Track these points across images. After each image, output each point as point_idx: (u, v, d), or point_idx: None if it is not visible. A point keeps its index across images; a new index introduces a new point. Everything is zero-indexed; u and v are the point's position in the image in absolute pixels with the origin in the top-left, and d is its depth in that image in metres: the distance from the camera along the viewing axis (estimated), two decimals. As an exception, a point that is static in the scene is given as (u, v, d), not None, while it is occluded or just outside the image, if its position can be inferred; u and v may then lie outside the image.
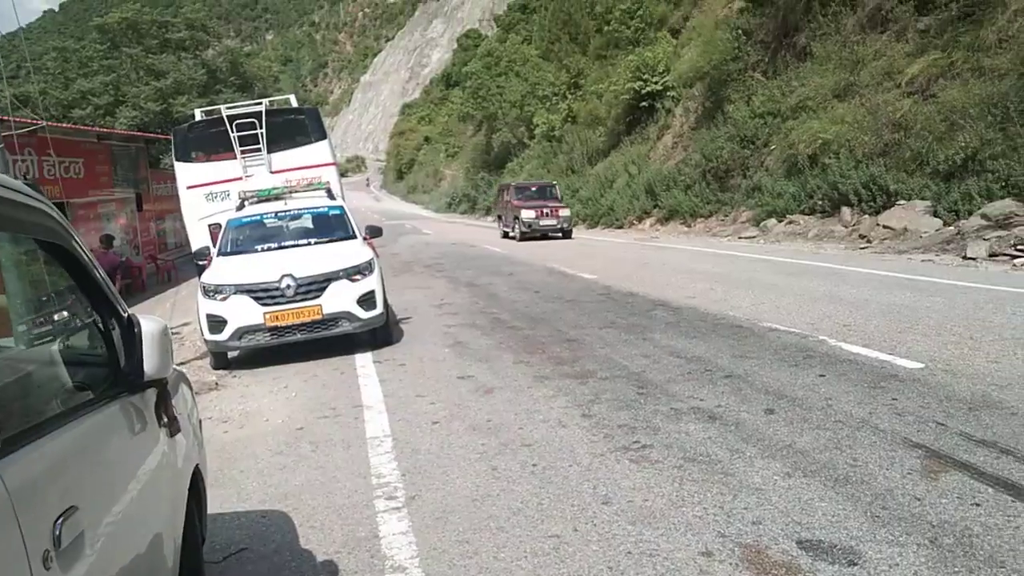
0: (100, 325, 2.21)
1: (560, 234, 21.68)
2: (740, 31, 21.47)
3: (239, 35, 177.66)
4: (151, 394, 2.36)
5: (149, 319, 2.27)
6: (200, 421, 3.30)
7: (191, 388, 3.27)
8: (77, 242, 2.07)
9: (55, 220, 1.93)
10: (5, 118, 9.32)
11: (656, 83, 25.26)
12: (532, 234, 21.40)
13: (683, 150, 23.27)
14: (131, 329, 2.20)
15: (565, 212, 21.99)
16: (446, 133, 71.27)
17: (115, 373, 2.20)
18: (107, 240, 10.86)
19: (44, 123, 11.52)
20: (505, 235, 23.58)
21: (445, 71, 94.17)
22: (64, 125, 18.24)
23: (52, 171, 14.88)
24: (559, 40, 41.26)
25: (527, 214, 21.70)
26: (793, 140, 17.27)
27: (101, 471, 1.88)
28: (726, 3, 24.25)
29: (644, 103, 25.94)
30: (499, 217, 25.30)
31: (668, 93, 25.27)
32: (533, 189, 23.87)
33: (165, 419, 2.41)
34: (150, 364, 2.19)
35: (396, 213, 49.59)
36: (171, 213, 21.31)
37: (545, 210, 21.65)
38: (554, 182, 25.48)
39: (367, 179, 66.35)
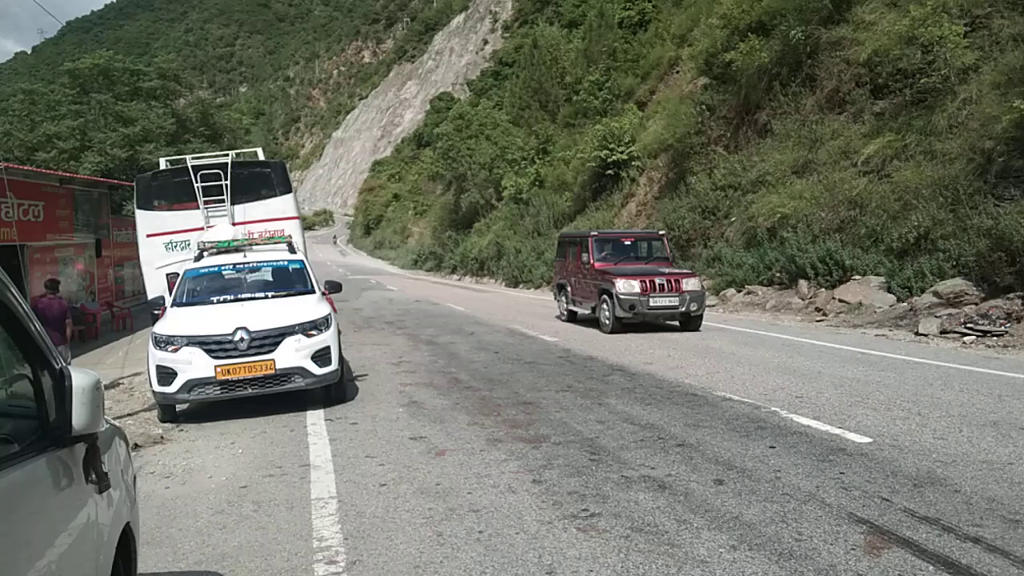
0: (31, 376, 2.15)
1: (682, 321, 13.04)
2: (704, 106, 22.19)
3: (213, 86, 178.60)
4: (80, 449, 2.29)
5: (81, 372, 2.21)
6: (135, 477, 3.20)
7: (127, 443, 3.18)
8: (12, 293, 2.03)
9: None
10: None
11: (622, 152, 25.84)
12: (635, 321, 12.81)
13: (647, 218, 23.69)
14: (62, 382, 2.15)
15: (692, 284, 12.89)
16: (415, 191, 71.79)
17: (43, 426, 2.14)
18: (52, 285, 10.61)
19: (3, 165, 11.31)
20: (571, 317, 15.05)
21: (417, 131, 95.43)
22: (25, 168, 17.97)
23: (10, 213, 14.61)
24: (529, 107, 42.18)
25: (627, 287, 12.64)
26: (753, 213, 17.72)
27: (21, 526, 1.81)
28: (691, 79, 25.10)
29: (610, 171, 26.48)
30: (561, 288, 15.78)
31: (633, 162, 25.84)
32: (628, 243, 14.82)
33: (94, 475, 2.34)
34: (79, 418, 2.13)
35: (362, 268, 49.46)
36: (131, 260, 20.97)
37: (658, 281, 12.67)
38: (661, 230, 16.67)
39: (334, 236, 66.39)
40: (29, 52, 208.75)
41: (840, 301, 13.61)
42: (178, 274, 9.63)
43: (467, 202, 44.61)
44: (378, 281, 34.48)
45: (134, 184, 12.76)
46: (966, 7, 15.26)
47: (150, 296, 11.04)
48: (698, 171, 21.48)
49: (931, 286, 12.17)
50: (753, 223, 17.59)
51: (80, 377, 2.19)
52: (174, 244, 11.57)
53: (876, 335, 11.22)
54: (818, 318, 13.54)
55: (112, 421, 3.20)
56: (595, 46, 37.02)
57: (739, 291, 16.88)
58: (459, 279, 37.98)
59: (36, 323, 2.20)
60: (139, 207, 12.06)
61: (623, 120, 27.28)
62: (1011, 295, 10.92)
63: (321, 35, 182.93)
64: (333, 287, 8.94)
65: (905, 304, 12.42)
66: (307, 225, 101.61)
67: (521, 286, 29.19)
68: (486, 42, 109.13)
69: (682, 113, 22.90)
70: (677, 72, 27.68)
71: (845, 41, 18.14)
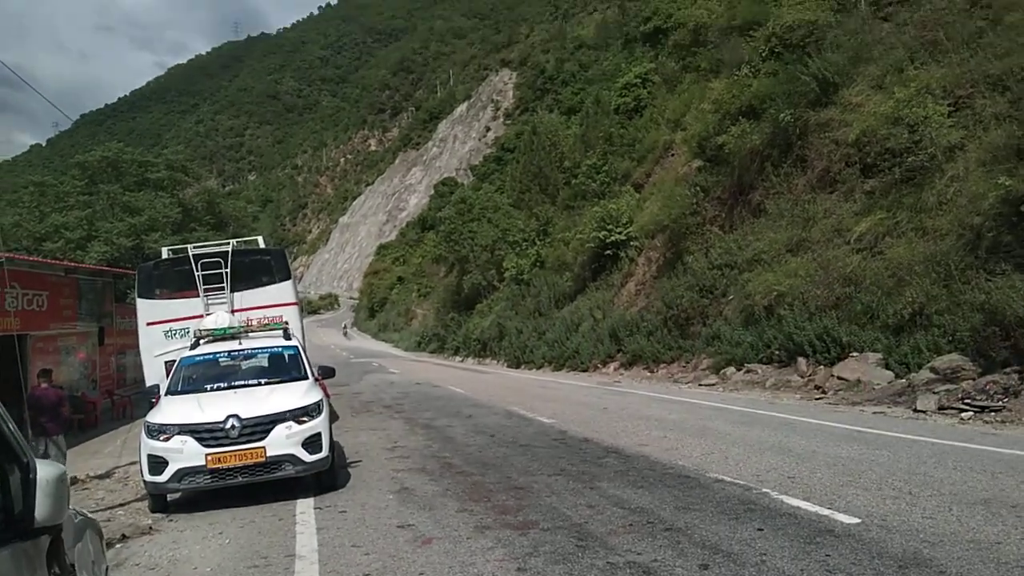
0: (-3, 468, 2.20)
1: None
2: (698, 188, 22.65)
3: (222, 175, 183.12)
4: (44, 541, 2.32)
5: (47, 464, 2.27)
6: (107, 569, 3.20)
7: (101, 536, 3.19)
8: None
9: None
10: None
11: (620, 233, 26.24)
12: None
13: (645, 297, 23.86)
14: (27, 474, 2.20)
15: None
16: (419, 274, 72.49)
17: (8, 518, 2.18)
18: (45, 374, 10.71)
19: (3, 259, 11.58)
20: None
21: (421, 215, 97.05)
22: (30, 259, 18.34)
23: (14, 303, 14.85)
24: (530, 190, 43.08)
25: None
26: (750, 291, 17.83)
27: None
28: (685, 162, 25.70)
29: (609, 251, 26.82)
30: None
31: (631, 243, 26.20)
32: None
33: (56, 567, 2.36)
34: (42, 510, 2.18)
35: (365, 351, 49.44)
36: (132, 348, 21.00)
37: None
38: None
39: (344, 325, 66.74)
40: (44, 144, 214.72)
41: (839, 378, 13.56)
42: (176, 361, 9.73)
43: (469, 284, 45.01)
44: (380, 364, 34.44)
45: (136, 273, 13.02)
46: (948, 88, 15.70)
47: (148, 384, 11.11)
48: (695, 251, 21.74)
49: (928, 362, 12.14)
50: (750, 301, 17.68)
51: (46, 469, 2.24)
52: (173, 332, 11.72)
53: (874, 412, 11.14)
54: (817, 396, 13.47)
55: (87, 513, 3.23)
56: (592, 131, 38.12)
57: (739, 369, 16.84)
58: (461, 360, 37.94)
59: (8, 419, 2.26)
60: (140, 296, 12.27)
61: (620, 202, 27.81)
62: (1008, 370, 10.89)
63: (329, 124, 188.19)
64: (326, 372, 9.00)
65: (903, 380, 12.36)
66: (312, 309, 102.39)
67: (523, 366, 29.14)
68: (488, 129, 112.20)
69: (677, 195, 23.35)
70: (672, 155, 28.36)
71: (833, 122, 18.60)
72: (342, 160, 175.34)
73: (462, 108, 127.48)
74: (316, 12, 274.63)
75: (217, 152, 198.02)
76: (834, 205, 17.51)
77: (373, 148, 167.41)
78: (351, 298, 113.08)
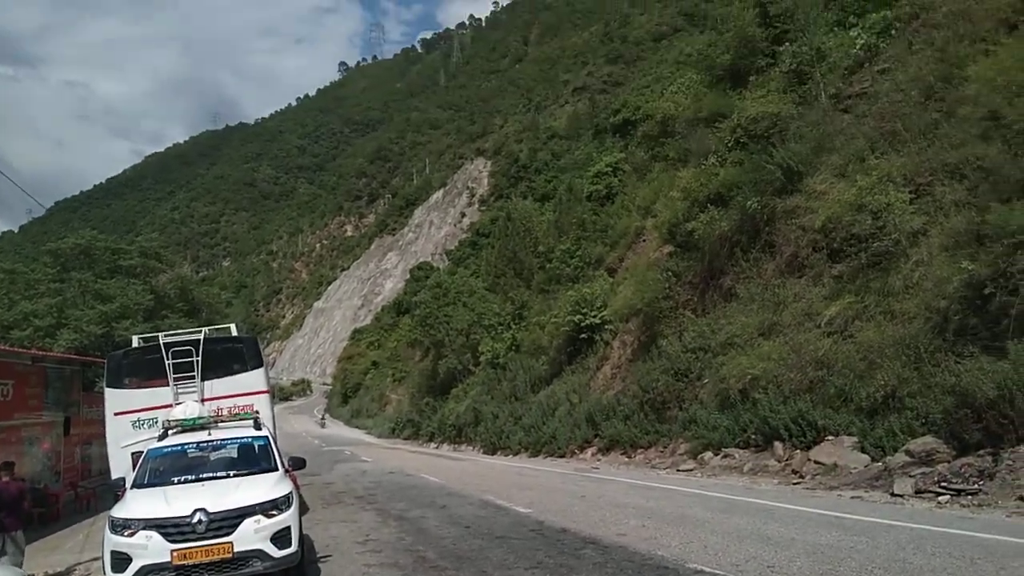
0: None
1: None
2: (670, 272, 23.01)
3: (196, 261, 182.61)
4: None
5: (2, 568, 2.20)
6: None
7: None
8: None
9: None
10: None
11: (595, 316, 26.43)
12: None
13: (621, 381, 23.84)
14: None
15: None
16: (394, 358, 72.00)
17: None
18: (7, 467, 10.33)
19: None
20: None
21: (397, 299, 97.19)
22: (20, 350, 17.98)
23: (-24, 393, 14.46)
24: (505, 274, 43.52)
25: None
26: (724, 375, 17.90)
27: None
28: (657, 247, 26.18)
29: (584, 335, 26.94)
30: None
31: (606, 326, 26.37)
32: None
33: None
34: None
35: (337, 439, 48.48)
36: (99, 438, 20.40)
37: None
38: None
39: (319, 414, 65.03)
40: (16, 231, 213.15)
41: (815, 463, 13.51)
42: (143, 452, 9.48)
43: (445, 368, 44.75)
44: (352, 452, 33.73)
45: (105, 361, 12.80)
46: (909, 176, 16.25)
47: (114, 476, 10.79)
48: (669, 334, 21.89)
49: (903, 444, 12.16)
50: (725, 385, 17.72)
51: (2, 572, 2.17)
52: (141, 422, 11.46)
53: (852, 497, 11.08)
54: (795, 480, 13.38)
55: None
56: (566, 217, 38.89)
57: (716, 454, 16.73)
58: (436, 447, 37.31)
59: None
60: (108, 385, 12.03)
61: (594, 286, 28.12)
62: (981, 452, 10.93)
63: (305, 211, 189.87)
64: (297, 463, 8.81)
65: (879, 464, 12.35)
66: (284, 395, 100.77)
67: (499, 452, 28.71)
68: (464, 215, 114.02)
69: (650, 279, 23.67)
70: (644, 240, 28.92)
71: (799, 209, 19.12)
72: (318, 246, 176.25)
73: (438, 195, 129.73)
74: (294, 103, 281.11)
75: (192, 238, 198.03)
76: (803, 289, 17.83)
77: (349, 234, 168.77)
78: (324, 384, 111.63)
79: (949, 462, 11.24)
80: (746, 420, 16.33)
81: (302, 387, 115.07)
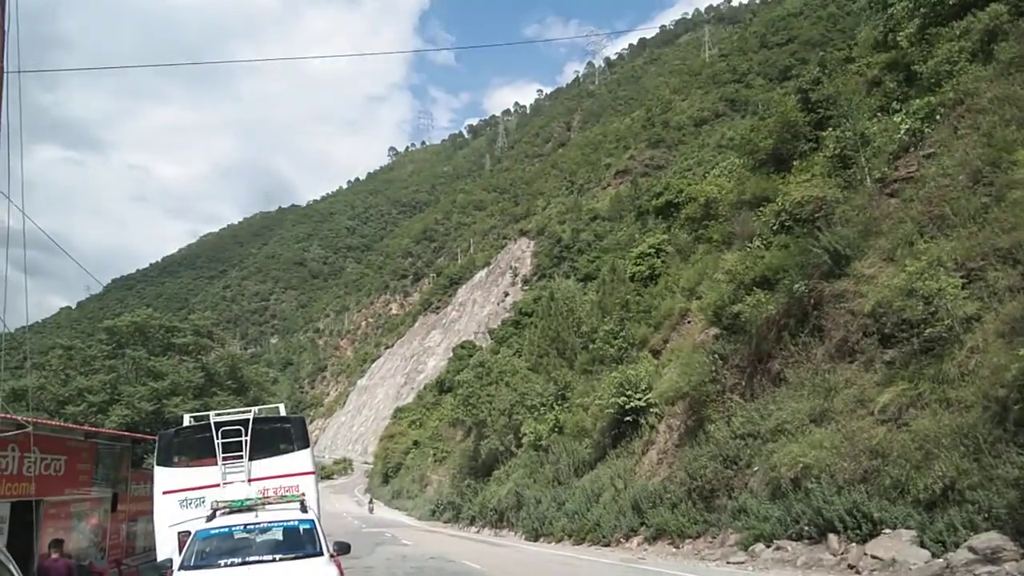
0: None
1: None
2: (716, 355, 22.72)
3: (245, 338, 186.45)
4: None
5: None
6: None
7: None
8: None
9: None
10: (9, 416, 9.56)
11: (639, 399, 26.07)
12: None
13: (668, 467, 23.30)
14: None
15: None
16: (435, 437, 71.52)
17: None
18: (56, 544, 10.48)
19: (30, 426, 11.71)
20: None
21: (439, 378, 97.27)
22: (53, 423, 18.44)
23: (31, 468, 14.75)
24: (547, 354, 43.37)
25: None
26: (775, 463, 17.40)
27: None
28: (702, 329, 25.96)
29: (628, 418, 26.54)
30: None
31: (651, 409, 25.97)
32: None
33: None
34: None
35: (378, 520, 47.94)
36: (145, 515, 20.56)
37: None
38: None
39: (369, 501, 63.43)
40: (73, 307, 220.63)
41: (872, 557, 12.94)
42: (190, 532, 9.55)
43: (487, 449, 44.29)
44: (393, 535, 33.28)
45: (156, 440, 13.04)
46: (960, 261, 15.97)
47: (159, 557, 10.83)
48: (716, 419, 21.46)
49: (965, 540, 11.61)
50: (776, 473, 17.21)
51: None
52: (189, 501, 11.57)
53: (915, 597, 10.54)
54: (852, 576, 12.81)
55: None
56: (609, 298, 38.88)
57: (768, 546, 16.12)
58: (477, 531, 36.61)
59: None
60: (159, 463, 12.23)
61: (639, 368, 27.84)
62: (1052, 551, 10.39)
63: (352, 290, 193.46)
64: (342, 548, 8.78)
65: (941, 560, 11.77)
66: (327, 474, 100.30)
67: (541, 539, 28.05)
68: (507, 294, 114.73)
69: (696, 362, 23.40)
70: (688, 322, 28.72)
71: (848, 293, 18.85)
72: (363, 324, 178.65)
73: (481, 274, 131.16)
74: (345, 186, 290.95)
75: (242, 316, 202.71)
76: (855, 375, 17.41)
77: (394, 312, 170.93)
78: (365, 463, 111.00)
79: (1016, 561, 10.68)
80: (799, 511, 15.77)
81: (344, 466, 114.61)
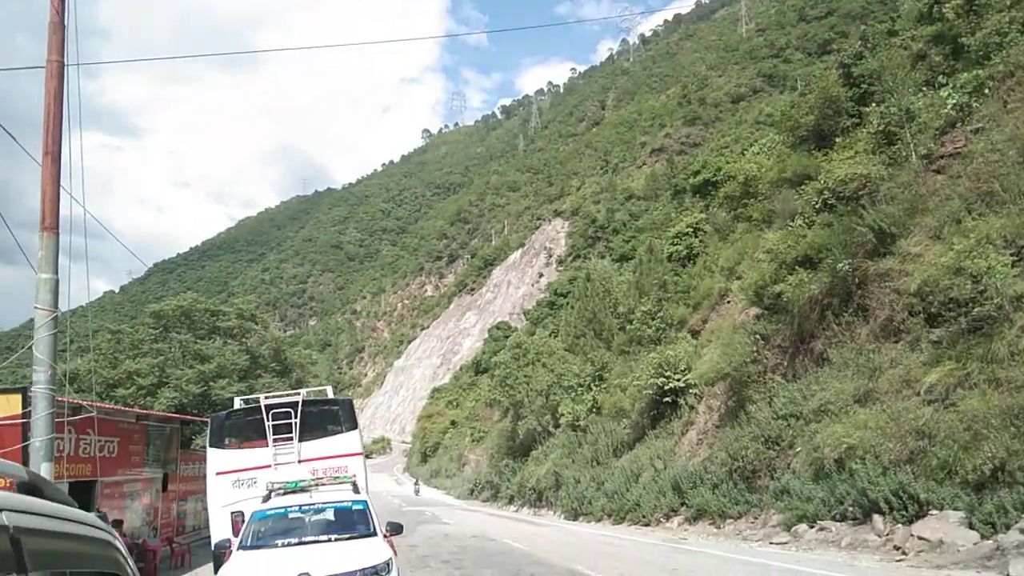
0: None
1: None
2: (758, 336, 22.52)
3: (284, 320, 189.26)
4: None
5: None
6: None
7: None
8: (131, 570, 2.20)
9: (120, 553, 2.10)
10: (60, 399, 9.91)
11: (678, 380, 26.00)
12: None
13: (708, 447, 23.26)
14: None
15: None
16: (472, 418, 72.12)
17: None
18: (116, 525, 10.83)
19: (94, 409, 12.10)
20: None
21: (475, 358, 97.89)
22: (110, 406, 19.03)
23: (87, 449, 15.29)
24: (584, 335, 43.35)
25: None
26: (818, 443, 17.28)
27: None
28: (742, 309, 25.73)
29: (667, 398, 26.50)
30: None
31: (690, 390, 25.89)
32: None
33: None
34: None
35: (417, 499, 48.61)
36: (194, 494, 21.29)
37: None
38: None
39: (415, 482, 61.99)
40: (117, 291, 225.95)
41: (919, 538, 12.82)
42: (243, 513, 9.83)
43: (524, 429, 44.53)
44: (433, 513, 33.77)
45: (208, 422, 13.39)
46: (1010, 238, 15.62)
47: (214, 536, 11.16)
48: (757, 399, 21.33)
49: (1016, 522, 11.45)
50: (819, 454, 17.10)
51: None
52: (241, 482, 11.88)
53: (964, 578, 10.46)
54: (897, 557, 12.72)
55: None
56: (646, 278, 38.67)
57: (811, 527, 16.06)
58: (516, 510, 36.96)
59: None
60: (211, 445, 12.57)
61: (678, 348, 27.73)
62: (1107, 534, 10.22)
63: (388, 272, 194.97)
64: (394, 529, 8.97)
65: (990, 542, 11.63)
66: (366, 453, 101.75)
67: (581, 518, 28.24)
68: (541, 275, 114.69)
69: (737, 342, 23.23)
70: (728, 302, 28.47)
71: (893, 272, 18.53)
72: (399, 305, 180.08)
73: (516, 255, 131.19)
74: (380, 168, 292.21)
75: (280, 298, 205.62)
76: (900, 355, 17.16)
77: (430, 294, 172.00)
78: (403, 442, 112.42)
79: (1072, 544, 10.53)
80: (843, 491, 15.67)
81: (382, 445, 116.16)
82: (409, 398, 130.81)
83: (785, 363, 21.61)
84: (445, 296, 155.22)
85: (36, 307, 7.68)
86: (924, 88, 21.94)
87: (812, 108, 27.47)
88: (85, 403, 13.00)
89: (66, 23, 8.77)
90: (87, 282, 10.29)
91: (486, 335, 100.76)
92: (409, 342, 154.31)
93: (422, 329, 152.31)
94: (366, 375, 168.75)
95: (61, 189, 8.25)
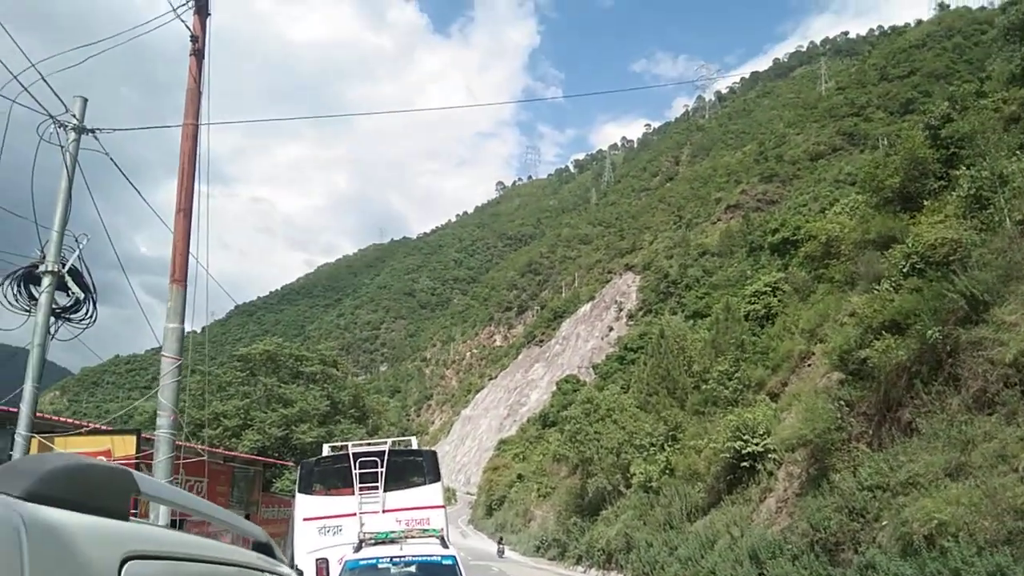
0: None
1: None
2: (841, 402, 21.91)
3: (356, 364, 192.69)
4: None
5: None
6: None
7: None
8: None
9: None
10: (180, 443, 10.50)
11: (757, 444, 25.39)
12: None
13: (788, 516, 22.54)
14: None
15: None
16: (539, 472, 71.43)
17: None
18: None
19: (205, 454, 12.71)
20: None
21: (543, 411, 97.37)
22: (211, 449, 19.83)
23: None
24: (657, 393, 42.76)
25: None
26: (906, 517, 16.61)
27: None
28: (825, 373, 25.11)
29: (745, 463, 25.86)
30: None
31: (770, 455, 25.23)
32: None
33: None
34: None
35: (483, 553, 48.27)
36: (275, 538, 21.77)
37: None
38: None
39: (499, 541, 56.64)
40: (199, 332, 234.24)
41: (1023, 628, 12.15)
42: (327, 559, 10.12)
43: (594, 487, 43.90)
44: (500, 569, 33.50)
45: (296, 467, 13.85)
46: (1112, 310, 15.05)
47: (298, 582, 11.44)
48: (841, 468, 20.65)
49: None
50: (908, 528, 16.41)
51: None
52: (327, 528, 12.21)
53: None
54: (999, 647, 12.05)
55: None
56: (723, 337, 38.12)
57: (901, 607, 15.36)
58: (584, 571, 36.29)
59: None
60: (300, 491, 12.97)
61: (756, 411, 27.14)
62: None
63: (458, 320, 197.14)
64: (479, 585, 9.08)
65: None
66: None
67: (653, 584, 27.57)
68: (611, 329, 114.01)
69: (819, 408, 22.63)
70: (809, 365, 27.82)
71: (987, 341, 17.89)
72: (468, 354, 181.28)
73: (586, 308, 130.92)
74: (454, 219, 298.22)
75: (354, 343, 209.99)
76: (995, 428, 16.44)
77: (498, 344, 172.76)
78: (468, 493, 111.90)
79: None
80: (933, 570, 14.95)
81: (447, 495, 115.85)
82: (475, 448, 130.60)
83: (871, 432, 20.92)
84: (514, 347, 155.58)
85: (163, 355, 8.28)
86: (1018, 152, 21.41)
87: (897, 169, 27.05)
88: (198, 447, 13.64)
89: (201, 89, 9.59)
90: (205, 336, 10.87)
91: (554, 388, 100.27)
92: (477, 391, 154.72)
93: (490, 379, 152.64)
94: (433, 423, 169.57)
95: (208, 273, 8.90)
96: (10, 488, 1.06)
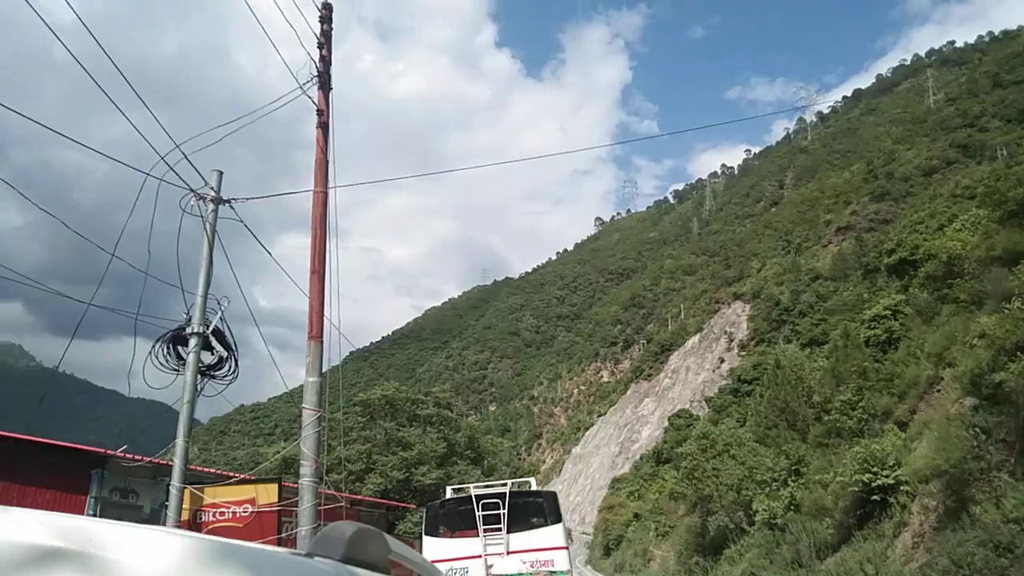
0: None
1: None
2: (977, 429, 20.71)
3: (467, 404, 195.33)
4: None
5: None
6: None
7: None
8: None
9: None
10: (323, 490, 11.20)
11: (887, 476, 24.18)
12: None
13: (926, 552, 21.30)
14: None
15: None
16: (656, 510, 69.82)
17: None
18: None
19: (343, 500, 13.43)
20: None
21: (655, 448, 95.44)
22: (355, 496, 20.74)
23: (314, 533, 16.76)
24: (776, 426, 41.35)
25: None
26: (1061, 552, 15.51)
27: None
28: (956, 399, 23.79)
29: (875, 496, 24.65)
30: None
31: (902, 487, 23.97)
32: None
33: None
34: None
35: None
36: (399, 579, 22.43)
37: None
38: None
39: None
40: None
41: None
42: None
43: (715, 525, 42.64)
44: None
45: (424, 511, 14.35)
46: None
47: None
48: (982, 500, 19.45)
49: None
50: (1064, 565, 15.32)
51: None
52: (454, 571, 12.58)
53: None
54: None
55: None
56: (843, 365, 36.62)
57: (1062, 651, 14.28)
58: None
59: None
60: (426, 533, 13.44)
61: (884, 442, 25.90)
62: None
63: (564, 358, 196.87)
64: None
65: None
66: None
67: (783, 626, 26.46)
68: (722, 360, 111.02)
69: (952, 436, 21.45)
70: (938, 391, 26.40)
71: None
72: (575, 391, 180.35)
73: (694, 340, 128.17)
74: (554, 257, 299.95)
75: (463, 384, 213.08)
76: None
77: (605, 379, 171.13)
78: (584, 533, 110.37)
79: None
80: (1097, 610, 13.88)
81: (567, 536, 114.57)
82: (588, 487, 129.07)
83: (1012, 460, 19.64)
84: (621, 382, 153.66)
85: (304, 407, 8.98)
86: None
87: (1021, 180, 25.68)
88: (336, 494, 14.42)
89: (327, 158, 10.44)
90: (340, 390, 11.61)
91: (666, 423, 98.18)
92: (586, 429, 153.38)
93: (599, 416, 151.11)
94: (544, 461, 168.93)
95: (335, 330, 9.66)
96: (332, 553, 1.41)
